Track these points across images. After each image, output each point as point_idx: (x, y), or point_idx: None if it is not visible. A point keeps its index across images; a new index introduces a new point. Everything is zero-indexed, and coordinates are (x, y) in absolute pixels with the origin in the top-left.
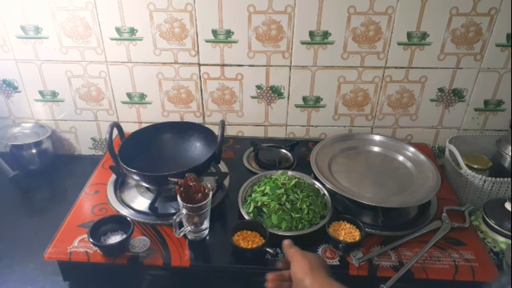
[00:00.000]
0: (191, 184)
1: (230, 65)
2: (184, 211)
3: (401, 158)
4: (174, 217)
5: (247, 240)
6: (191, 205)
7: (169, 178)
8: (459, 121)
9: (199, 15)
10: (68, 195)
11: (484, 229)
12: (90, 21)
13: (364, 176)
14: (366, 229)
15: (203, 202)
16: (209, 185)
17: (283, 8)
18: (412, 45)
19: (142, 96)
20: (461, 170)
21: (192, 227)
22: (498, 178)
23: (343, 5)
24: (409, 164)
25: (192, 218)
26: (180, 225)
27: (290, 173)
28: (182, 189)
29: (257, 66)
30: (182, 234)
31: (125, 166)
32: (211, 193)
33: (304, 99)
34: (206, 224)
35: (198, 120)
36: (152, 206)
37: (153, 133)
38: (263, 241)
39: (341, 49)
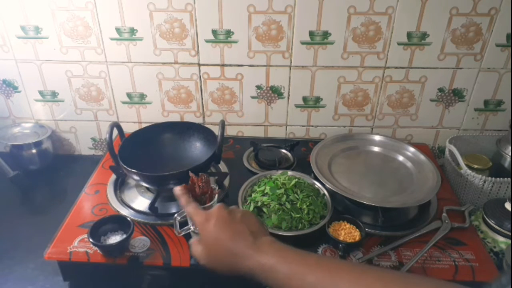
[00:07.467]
0: (200, 184)
1: (230, 65)
2: None
3: (401, 158)
4: (176, 215)
5: None
6: None
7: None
8: (459, 121)
9: (199, 15)
10: (68, 195)
11: (484, 229)
12: (90, 21)
13: (364, 176)
14: (366, 229)
15: (208, 204)
16: (216, 188)
17: (283, 8)
18: (412, 45)
19: (142, 96)
20: (461, 170)
21: (196, 228)
22: (498, 178)
23: (343, 5)
24: (409, 164)
25: None
26: (183, 224)
27: (290, 173)
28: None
29: (257, 66)
30: (183, 233)
31: (125, 166)
32: (216, 196)
33: (304, 99)
34: None
35: (198, 120)
36: (152, 206)
37: (153, 133)
38: None
39: (341, 49)
